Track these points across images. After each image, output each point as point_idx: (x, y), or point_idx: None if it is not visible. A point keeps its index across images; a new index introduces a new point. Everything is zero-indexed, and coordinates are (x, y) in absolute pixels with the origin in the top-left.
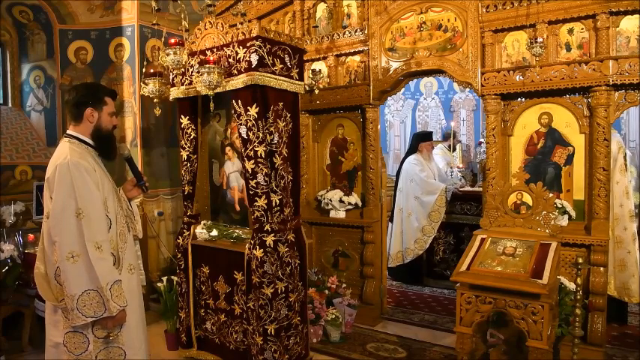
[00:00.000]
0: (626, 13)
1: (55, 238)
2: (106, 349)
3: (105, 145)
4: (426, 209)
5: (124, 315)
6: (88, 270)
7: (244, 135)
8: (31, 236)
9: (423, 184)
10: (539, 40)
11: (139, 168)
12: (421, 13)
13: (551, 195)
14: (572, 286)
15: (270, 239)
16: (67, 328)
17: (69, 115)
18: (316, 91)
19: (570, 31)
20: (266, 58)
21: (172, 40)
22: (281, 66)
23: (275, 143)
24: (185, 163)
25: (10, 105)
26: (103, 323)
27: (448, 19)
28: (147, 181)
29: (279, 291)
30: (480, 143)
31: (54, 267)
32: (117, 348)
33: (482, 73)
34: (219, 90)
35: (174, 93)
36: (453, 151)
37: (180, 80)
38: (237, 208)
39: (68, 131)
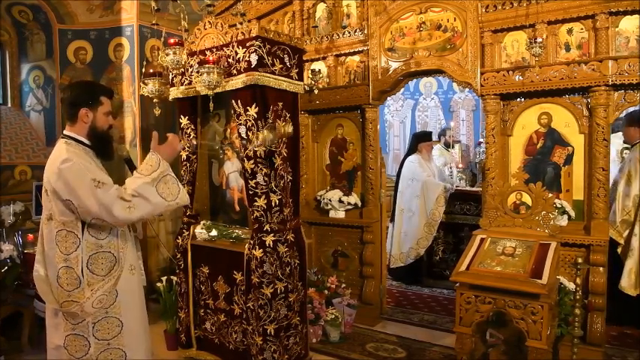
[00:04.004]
0: (625, 13)
1: (102, 214)
2: (107, 351)
3: (101, 145)
4: (428, 208)
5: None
6: (146, 196)
7: (244, 135)
8: (30, 236)
9: (425, 183)
10: (539, 40)
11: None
12: (421, 13)
13: (550, 195)
14: (571, 286)
15: (269, 239)
16: (68, 331)
17: (64, 115)
18: (316, 91)
19: (570, 32)
20: (265, 58)
21: (172, 40)
22: (280, 66)
23: (275, 143)
24: (184, 163)
25: (9, 105)
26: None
27: (447, 19)
28: None
29: (279, 291)
30: (480, 143)
31: (56, 269)
32: (117, 349)
33: (482, 73)
34: (218, 90)
35: (174, 93)
36: (448, 148)
37: (180, 80)
38: (237, 208)
39: (65, 131)
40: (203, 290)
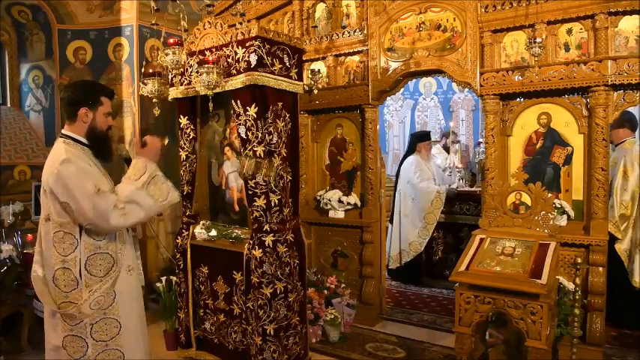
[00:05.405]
0: (624, 13)
1: (98, 220)
2: (105, 352)
3: (100, 145)
4: (422, 211)
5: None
6: (138, 201)
7: (243, 135)
8: (29, 236)
9: (416, 187)
10: (538, 40)
11: None
12: (420, 13)
13: (549, 195)
14: (571, 286)
15: (269, 239)
16: (66, 332)
17: (64, 114)
18: (315, 91)
19: (569, 32)
20: (265, 58)
21: (171, 40)
22: (280, 66)
23: (274, 143)
24: (184, 163)
25: (9, 105)
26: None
27: (447, 19)
28: None
29: (278, 291)
30: (479, 143)
31: (52, 270)
32: (115, 350)
33: (481, 73)
34: (218, 90)
35: (173, 93)
36: (448, 152)
37: (180, 80)
38: (236, 208)
39: (63, 130)
40: (202, 290)
